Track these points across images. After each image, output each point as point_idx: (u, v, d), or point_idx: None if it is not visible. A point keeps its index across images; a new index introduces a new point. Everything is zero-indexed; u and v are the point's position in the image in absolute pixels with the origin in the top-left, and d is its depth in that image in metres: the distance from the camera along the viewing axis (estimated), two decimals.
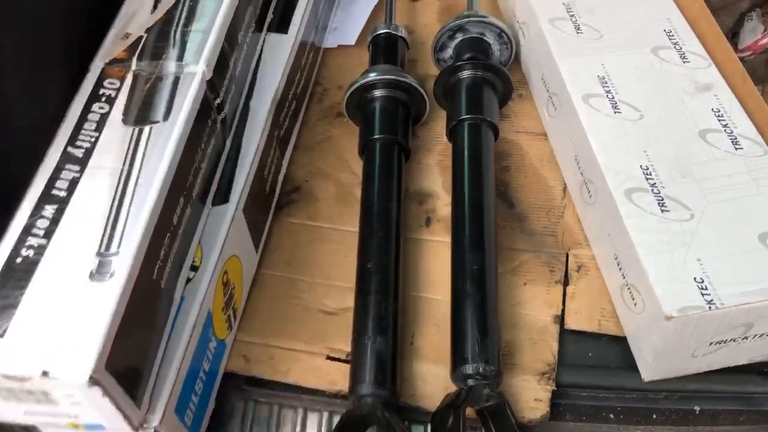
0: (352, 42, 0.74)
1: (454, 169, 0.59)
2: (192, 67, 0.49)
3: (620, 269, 0.51)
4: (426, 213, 0.62)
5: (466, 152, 0.59)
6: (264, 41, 0.62)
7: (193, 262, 0.49)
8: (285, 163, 0.64)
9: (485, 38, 0.67)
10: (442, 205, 0.62)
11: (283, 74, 0.61)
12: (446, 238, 0.59)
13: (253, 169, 0.55)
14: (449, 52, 0.68)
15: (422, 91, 0.63)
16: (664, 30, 0.59)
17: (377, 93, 0.63)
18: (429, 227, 0.61)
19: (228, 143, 0.55)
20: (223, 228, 0.51)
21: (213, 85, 0.50)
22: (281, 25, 0.63)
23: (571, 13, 0.61)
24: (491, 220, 0.55)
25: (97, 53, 0.51)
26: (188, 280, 0.49)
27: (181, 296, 0.48)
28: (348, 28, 0.74)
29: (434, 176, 0.64)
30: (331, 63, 0.74)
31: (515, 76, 0.70)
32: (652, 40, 0.59)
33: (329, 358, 0.54)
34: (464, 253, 0.53)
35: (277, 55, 0.61)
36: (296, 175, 0.66)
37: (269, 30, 0.63)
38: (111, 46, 0.51)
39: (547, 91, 0.62)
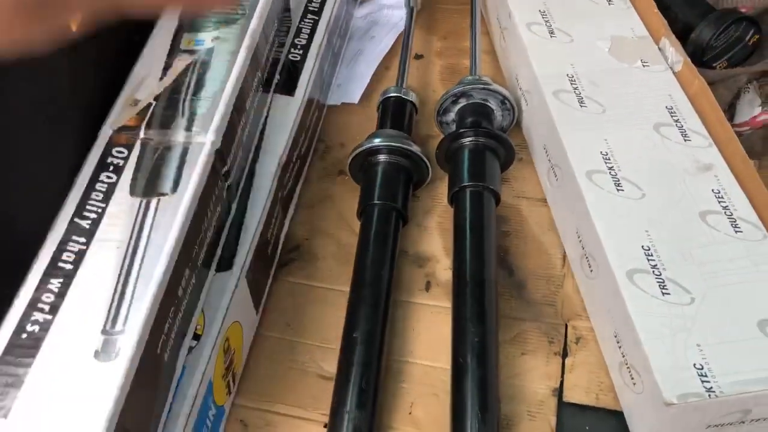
0: (356, 101, 0.74)
1: (456, 237, 0.59)
2: (200, 137, 0.49)
3: (620, 347, 0.51)
4: (426, 277, 0.62)
5: (467, 221, 0.59)
6: (271, 102, 0.62)
7: (196, 330, 0.49)
8: (287, 222, 0.64)
9: (488, 104, 0.67)
10: (442, 269, 0.63)
11: (289, 136, 0.61)
12: (446, 303, 0.59)
13: (258, 233, 0.56)
14: (452, 115, 0.69)
15: (425, 160, 0.64)
16: (666, 106, 0.60)
17: (380, 158, 0.63)
18: (429, 291, 0.61)
19: (233, 207, 0.55)
20: (226, 295, 0.51)
21: (221, 154, 0.50)
22: (288, 86, 0.64)
23: (575, 86, 0.62)
24: (493, 292, 0.55)
25: (107, 119, 0.51)
26: (190, 348, 0.49)
27: (183, 365, 0.48)
28: (352, 86, 0.75)
29: (434, 239, 0.65)
30: (333, 120, 0.75)
31: (516, 139, 0.71)
32: (654, 116, 0.60)
33: (326, 425, 0.54)
34: (466, 326, 0.53)
35: (284, 117, 0.62)
36: (297, 233, 0.66)
37: (276, 91, 0.63)
38: (120, 113, 0.51)
39: (549, 161, 0.62)
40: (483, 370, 0.51)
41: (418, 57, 0.80)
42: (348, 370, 0.52)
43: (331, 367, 0.57)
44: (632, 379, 0.49)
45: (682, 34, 0.74)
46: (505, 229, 0.65)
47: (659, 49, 0.66)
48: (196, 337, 0.49)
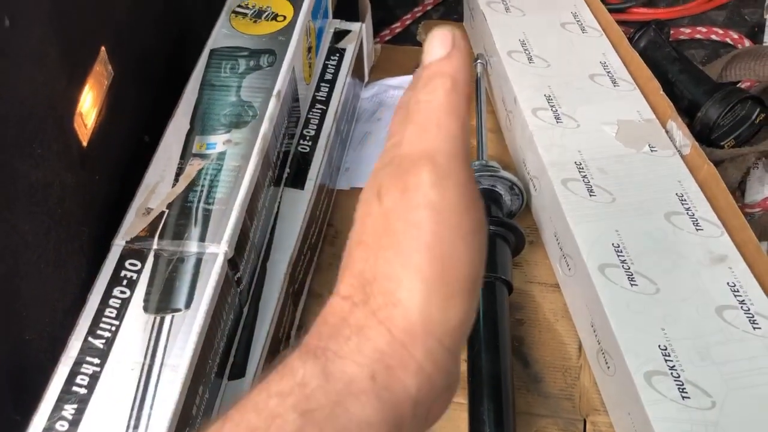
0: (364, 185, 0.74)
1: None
2: (214, 248, 0.49)
3: None
4: None
5: (481, 313, 0.59)
6: (281, 197, 0.62)
7: None
8: (298, 315, 0.64)
9: (496, 189, 0.67)
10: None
11: (300, 231, 0.61)
12: (461, 399, 0.58)
13: (270, 334, 0.55)
14: None
15: None
16: (676, 194, 0.60)
17: None
18: None
19: (245, 311, 0.55)
20: None
21: (234, 263, 0.50)
22: (298, 180, 0.64)
23: (584, 174, 0.62)
24: (509, 390, 0.55)
25: (119, 230, 0.51)
26: None
27: None
28: (360, 169, 0.75)
29: None
30: (342, 203, 0.75)
31: (526, 221, 0.70)
32: (664, 204, 0.60)
33: None
34: (483, 429, 0.52)
35: (294, 211, 0.62)
36: (309, 324, 0.65)
37: (286, 185, 0.63)
38: (132, 223, 0.51)
39: (561, 249, 0.62)
40: None
41: None
42: None
43: None
44: None
45: (688, 112, 0.74)
46: (519, 316, 0.64)
47: (666, 131, 0.66)
48: None
